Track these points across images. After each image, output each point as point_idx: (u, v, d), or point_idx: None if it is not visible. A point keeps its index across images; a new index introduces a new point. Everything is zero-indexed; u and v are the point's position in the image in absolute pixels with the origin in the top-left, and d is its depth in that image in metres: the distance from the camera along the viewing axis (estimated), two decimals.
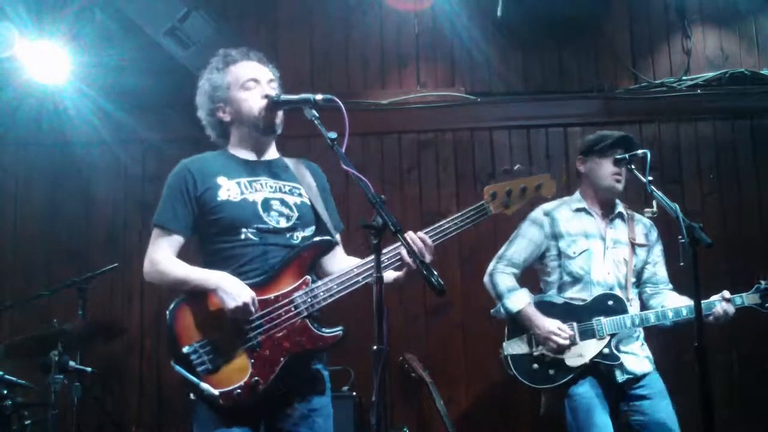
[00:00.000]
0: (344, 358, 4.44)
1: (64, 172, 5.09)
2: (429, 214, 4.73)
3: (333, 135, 2.41)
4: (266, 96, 2.64)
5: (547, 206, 3.57)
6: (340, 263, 2.68)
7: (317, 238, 2.60)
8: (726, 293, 3.28)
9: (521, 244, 3.55)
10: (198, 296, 2.45)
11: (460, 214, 2.58)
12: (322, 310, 2.52)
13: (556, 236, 3.49)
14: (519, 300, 3.43)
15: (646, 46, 5.09)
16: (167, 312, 2.44)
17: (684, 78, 4.99)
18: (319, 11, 5.18)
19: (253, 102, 2.64)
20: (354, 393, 4.30)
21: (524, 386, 3.42)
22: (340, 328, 2.49)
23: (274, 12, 5.20)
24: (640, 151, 3.26)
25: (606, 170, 3.45)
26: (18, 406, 3.78)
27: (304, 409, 2.52)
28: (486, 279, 3.60)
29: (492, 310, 3.55)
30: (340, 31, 5.17)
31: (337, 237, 2.75)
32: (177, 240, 2.56)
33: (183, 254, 2.61)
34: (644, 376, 3.37)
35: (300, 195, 2.69)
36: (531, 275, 3.67)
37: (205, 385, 2.33)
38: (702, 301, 3.21)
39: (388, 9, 5.14)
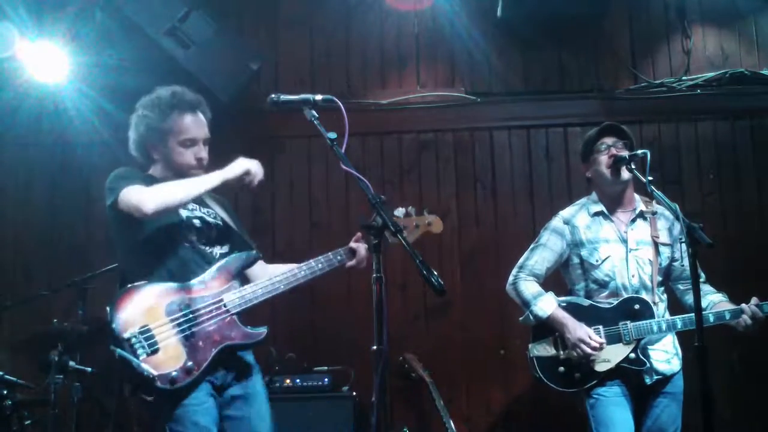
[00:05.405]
0: (344, 358, 4.45)
1: (64, 172, 5.09)
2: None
3: (333, 135, 2.43)
4: (200, 159, 2.86)
5: (566, 213, 3.54)
6: (264, 272, 2.97)
7: (242, 252, 2.88)
8: (755, 300, 3.26)
9: (543, 254, 3.49)
10: (137, 289, 2.64)
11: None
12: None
13: (577, 244, 3.45)
14: (547, 305, 3.37)
15: (646, 46, 5.08)
16: (108, 306, 2.60)
17: (684, 78, 4.99)
18: (319, 11, 5.18)
19: (188, 159, 2.86)
20: (354, 393, 4.30)
21: (524, 387, 3.42)
22: (264, 327, 2.78)
23: (274, 12, 5.20)
24: (640, 151, 3.23)
25: (602, 163, 3.42)
26: (18, 406, 3.78)
27: (241, 392, 2.79)
28: (509, 288, 3.53)
29: (521, 318, 3.49)
30: (340, 31, 5.17)
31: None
32: None
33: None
34: (672, 375, 3.34)
35: (215, 217, 2.95)
36: (554, 274, 3.62)
37: (145, 366, 2.51)
38: (731, 308, 3.26)
39: (388, 9, 5.14)
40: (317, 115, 2.52)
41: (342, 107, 2.43)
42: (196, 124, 2.88)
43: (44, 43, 4.34)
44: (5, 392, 3.71)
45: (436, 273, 2.18)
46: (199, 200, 2.91)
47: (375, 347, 2.16)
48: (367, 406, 4.25)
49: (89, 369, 3.89)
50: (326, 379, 4.32)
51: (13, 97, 4.83)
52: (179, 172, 2.85)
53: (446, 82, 5.11)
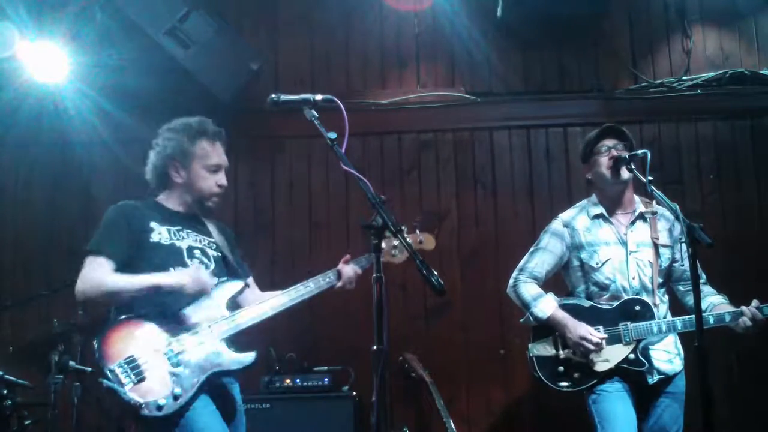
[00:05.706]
0: (344, 358, 4.45)
1: (64, 172, 5.09)
2: (429, 214, 4.73)
3: (333, 135, 2.43)
4: (222, 186, 2.96)
5: (565, 216, 3.54)
6: (255, 298, 2.99)
7: (232, 281, 2.92)
8: (755, 302, 3.26)
9: (543, 257, 3.50)
10: (123, 323, 2.69)
11: (365, 256, 3.06)
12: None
13: (577, 247, 3.45)
14: (547, 306, 3.38)
15: (646, 46, 5.08)
16: (95, 339, 2.65)
17: (684, 78, 4.99)
18: (319, 11, 5.18)
19: (210, 185, 2.96)
20: (354, 393, 4.30)
21: (524, 386, 3.42)
22: (253, 352, 2.79)
23: (274, 12, 5.20)
24: (640, 151, 3.23)
25: (602, 165, 3.42)
26: (18, 406, 3.78)
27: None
28: (509, 291, 3.54)
29: (521, 320, 3.50)
30: (340, 31, 5.17)
31: (249, 280, 3.08)
32: (111, 268, 2.77)
33: None
34: (675, 375, 3.35)
35: (215, 249, 3.01)
36: (555, 276, 3.62)
37: (130, 395, 2.55)
38: (731, 310, 3.26)
39: (388, 9, 5.14)
40: (317, 115, 2.52)
41: (342, 107, 2.43)
42: (219, 152, 3.00)
43: (44, 43, 4.34)
44: (5, 392, 3.71)
45: (436, 273, 2.18)
46: (204, 231, 3.01)
47: (375, 347, 2.15)
48: (367, 406, 4.27)
49: (89, 369, 3.89)
50: (326, 379, 4.32)
51: (13, 97, 4.82)
52: (199, 196, 2.96)
53: (446, 82, 5.11)
